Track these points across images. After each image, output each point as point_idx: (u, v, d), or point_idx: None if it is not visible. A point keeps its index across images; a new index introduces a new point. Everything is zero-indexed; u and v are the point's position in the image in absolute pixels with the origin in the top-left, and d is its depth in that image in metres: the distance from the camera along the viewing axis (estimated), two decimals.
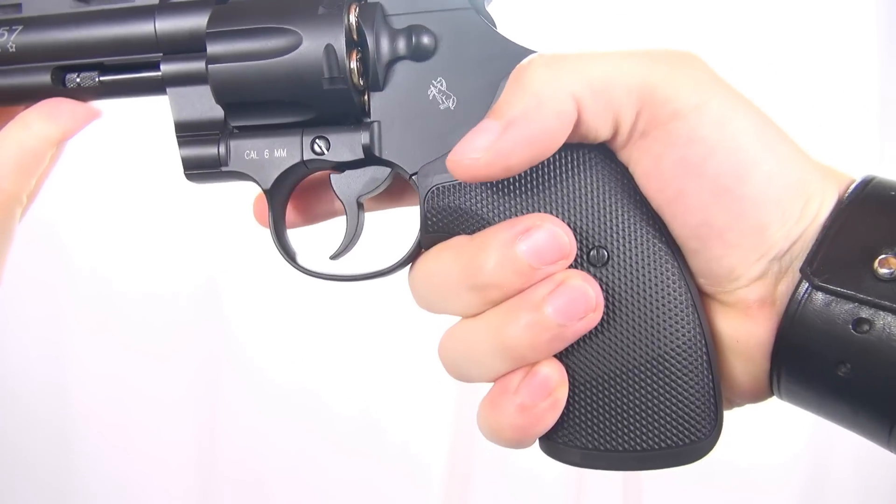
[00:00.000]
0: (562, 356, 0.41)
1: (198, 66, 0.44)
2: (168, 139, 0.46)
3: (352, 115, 0.43)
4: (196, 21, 0.44)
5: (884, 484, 1.09)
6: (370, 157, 0.43)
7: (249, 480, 1.11)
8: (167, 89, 0.46)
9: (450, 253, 0.41)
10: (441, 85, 0.42)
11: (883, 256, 0.36)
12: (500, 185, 0.41)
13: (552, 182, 0.41)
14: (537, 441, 0.42)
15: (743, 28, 1.00)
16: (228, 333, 1.08)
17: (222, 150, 0.45)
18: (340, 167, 0.45)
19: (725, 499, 1.09)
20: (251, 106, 0.43)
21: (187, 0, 0.45)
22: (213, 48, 0.43)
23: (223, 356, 1.09)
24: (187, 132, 0.46)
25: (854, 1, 1.01)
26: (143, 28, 0.45)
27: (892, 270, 0.35)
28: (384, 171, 0.45)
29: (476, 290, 0.40)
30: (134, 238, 1.06)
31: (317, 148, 0.44)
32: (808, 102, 1.01)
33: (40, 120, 0.46)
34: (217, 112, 0.45)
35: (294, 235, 0.48)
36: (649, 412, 0.40)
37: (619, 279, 0.40)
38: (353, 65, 0.41)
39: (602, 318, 0.40)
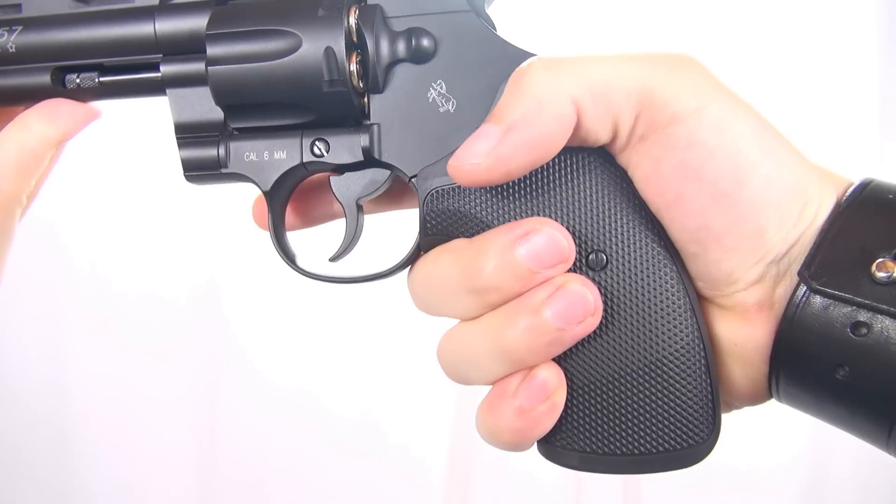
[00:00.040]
0: (560, 359, 0.41)
1: (197, 67, 0.44)
2: (168, 140, 0.46)
3: (351, 117, 0.43)
4: (196, 22, 0.44)
5: (883, 485, 1.09)
6: (370, 160, 0.43)
7: (249, 481, 1.11)
8: (167, 90, 0.46)
9: (449, 256, 0.41)
10: (441, 87, 0.42)
11: (880, 260, 0.36)
12: (499, 189, 0.41)
13: (551, 185, 0.41)
14: (536, 444, 0.42)
15: (743, 29, 1.00)
16: (228, 334, 1.08)
17: (222, 151, 0.45)
18: (340, 169, 0.45)
19: (725, 500, 1.09)
20: (251, 108, 0.43)
21: (187, 1, 0.45)
22: (212, 50, 0.43)
23: (223, 357, 1.09)
24: (187, 133, 0.46)
25: (854, 1, 1.01)
26: (142, 29, 0.45)
27: (889, 274, 0.35)
28: (384, 174, 0.45)
29: (475, 293, 0.40)
30: (134, 238, 1.06)
31: (316, 150, 0.44)
32: (808, 103, 1.01)
33: (40, 121, 0.46)
34: (217, 114, 0.45)
35: (293, 237, 0.48)
36: (647, 416, 0.40)
37: (618, 283, 0.40)
38: (353, 67, 0.41)
39: (600, 322, 0.40)
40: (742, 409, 0.44)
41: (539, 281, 0.39)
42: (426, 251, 0.43)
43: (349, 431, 1.09)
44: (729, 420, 0.43)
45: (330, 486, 1.11)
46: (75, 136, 0.48)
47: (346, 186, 0.45)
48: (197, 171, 0.45)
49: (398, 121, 0.43)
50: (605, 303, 0.40)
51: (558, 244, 0.39)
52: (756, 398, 0.42)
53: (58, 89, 0.47)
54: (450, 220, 0.42)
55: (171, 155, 0.46)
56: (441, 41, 0.42)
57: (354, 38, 0.42)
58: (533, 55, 0.41)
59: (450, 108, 0.42)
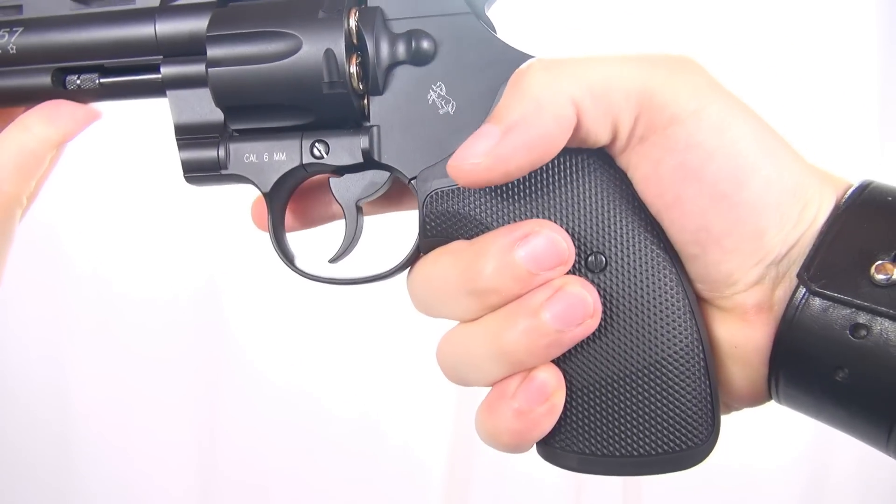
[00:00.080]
0: (559, 361, 0.41)
1: (198, 69, 0.44)
2: (168, 142, 0.46)
3: (351, 119, 0.43)
4: (196, 24, 0.44)
5: (883, 486, 1.09)
6: (369, 161, 0.43)
7: (250, 481, 1.11)
8: (167, 92, 0.46)
9: (448, 258, 0.41)
10: (440, 90, 0.42)
11: (879, 262, 0.36)
12: (498, 191, 0.41)
13: (551, 187, 0.41)
14: (535, 446, 0.42)
15: (743, 29, 1.00)
16: (228, 335, 1.08)
17: (222, 153, 0.45)
18: (340, 171, 0.45)
19: (726, 501, 1.09)
20: (251, 109, 0.43)
21: (187, 3, 0.45)
22: (212, 51, 0.43)
23: (223, 357, 1.09)
24: (187, 135, 0.46)
25: (854, 1, 1.01)
26: (143, 30, 0.45)
27: (888, 276, 0.35)
28: (383, 176, 0.45)
29: (474, 295, 0.40)
30: (134, 240, 1.06)
31: (316, 152, 0.44)
32: (808, 102, 1.01)
33: (40, 122, 0.46)
34: (217, 115, 0.45)
35: (293, 239, 0.48)
36: (646, 418, 0.40)
37: (617, 285, 0.40)
38: (353, 69, 0.41)
39: (600, 324, 0.40)
40: (742, 411, 0.44)
41: (538, 283, 0.39)
42: (426, 253, 0.43)
43: (349, 432, 1.09)
44: (729, 421, 0.43)
45: (330, 486, 1.11)
46: (75, 138, 0.48)
47: (345, 188, 0.45)
48: (197, 173, 0.46)
49: (398, 123, 0.43)
50: (604, 305, 0.40)
51: (558, 246, 0.39)
52: (755, 400, 0.42)
53: (58, 90, 0.47)
54: (449, 221, 0.42)
55: (171, 156, 0.46)
56: (441, 43, 0.42)
57: (354, 40, 0.42)
58: (532, 57, 0.41)
59: (449, 110, 0.42)
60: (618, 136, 0.39)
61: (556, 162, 0.41)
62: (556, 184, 0.41)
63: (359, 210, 0.46)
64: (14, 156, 0.46)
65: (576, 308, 0.38)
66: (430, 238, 0.43)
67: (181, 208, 1.04)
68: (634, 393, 0.40)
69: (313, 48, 0.41)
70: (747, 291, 0.39)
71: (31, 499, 1.12)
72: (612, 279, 0.40)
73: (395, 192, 0.48)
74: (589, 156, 0.41)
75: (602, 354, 0.40)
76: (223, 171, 0.45)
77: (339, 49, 0.41)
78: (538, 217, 0.41)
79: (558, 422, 0.41)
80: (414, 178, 0.43)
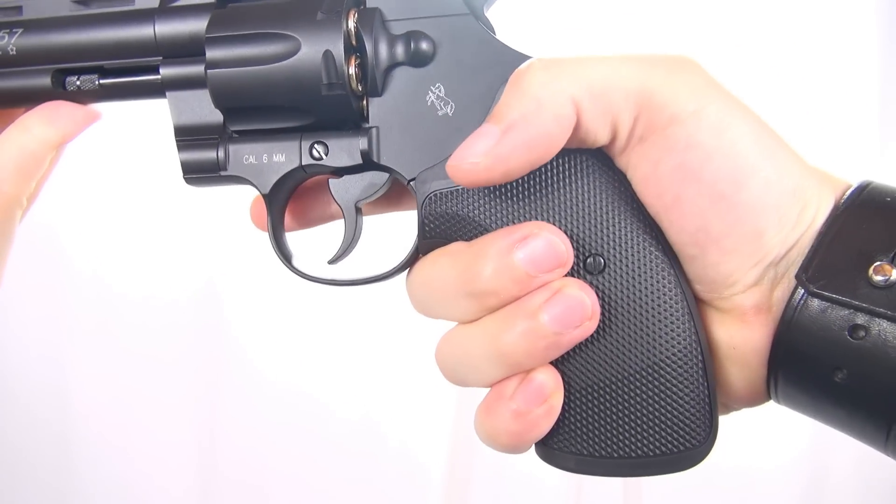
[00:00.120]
0: (558, 363, 0.41)
1: (197, 70, 0.44)
2: (168, 143, 0.46)
3: (350, 120, 0.43)
4: (195, 25, 0.44)
5: (883, 486, 1.09)
6: (368, 163, 0.43)
7: (249, 481, 1.11)
8: (167, 93, 0.46)
9: (447, 259, 0.41)
10: (439, 91, 0.42)
11: (878, 263, 0.36)
12: (497, 192, 0.41)
13: (549, 188, 0.41)
14: (533, 446, 0.42)
15: (742, 29, 1.00)
16: (228, 335, 1.08)
17: (221, 154, 0.45)
18: (339, 172, 0.45)
19: (726, 501, 1.09)
20: (250, 111, 0.43)
21: (187, 4, 0.45)
22: (211, 53, 0.43)
23: (223, 358, 1.09)
24: (186, 136, 0.46)
25: (854, 1, 1.01)
26: (142, 31, 0.45)
27: (886, 277, 0.35)
28: (382, 177, 0.45)
29: (473, 296, 0.40)
30: (134, 240, 1.06)
31: (315, 153, 0.44)
32: (808, 102, 1.01)
33: (40, 123, 0.46)
34: (216, 116, 0.45)
35: (292, 240, 0.48)
36: (644, 419, 0.40)
37: (616, 287, 0.40)
38: (352, 70, 0.41)
39: (598, 326, 0.40)
40: (741, 411, 0.44)
41: (537, 285, 0.39)
42: (425, 254, 0.43)
43: (349, 433, 1.09)
44: (729, 421, 0.43)
45: (330, 486, 1.11)
46: (75, 139, 0.48)
47: (344, 189, 0.45)
48: (196, 174, 0.46)
49: (397, 124, 0.43)
50: (602, 306, 0.40)
51: (556, 249, 0.39)
52: (754, 400, 0.42)
53: (58, 91, 0.47)
54: (448, 223, 0.42)
55: (171, 157, 0.46)
56: (440, 44, 0.42)
57: (353, 42, 0.42)
58: (531, 58, 0.41)
59: (448, 111, 0.42)
60: (617, 136, 0.39)
61: (554, 163, 0.41)
62: (555, 185, 0.41)
63: (358, 211, 0.46)
64: (14, 157, 0.46)
65: (574, 310, 0.38)
66: (430, 239, 0.43)
67: (181, 209, 1.04)
68: (632, 394, 0.40)
69: (312, 49, 0.41)
70: (746, 292, 0.39)
71: (31, 499, 1.12)
72: (611, 281, 0.40)
73: (395, 193, 0.48)
74: (588, 157, 0.41)
75: (600, 356, 0.40)
76: (222, 173, 0.45)
77: (338, 50, 0.41)
78: (537, 219, 0.41)
79: (556, 423, 0.41)
80: (413, 179, 0.43)
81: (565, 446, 0.41)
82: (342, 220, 0.46)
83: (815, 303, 0.37)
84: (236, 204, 0.55)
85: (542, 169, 0.41)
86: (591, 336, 0.40)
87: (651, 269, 0.40)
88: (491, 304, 0.40)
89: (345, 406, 1.09)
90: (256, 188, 0.45)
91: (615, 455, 0.41)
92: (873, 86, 1.02)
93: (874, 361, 0.36)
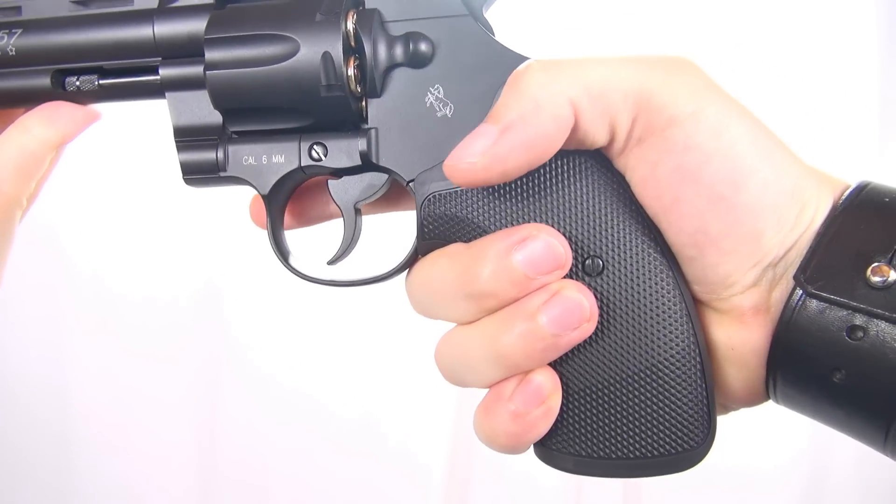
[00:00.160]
0: (556, 364, 0.41)
1: (196, 71, 0.44)
2: (167, 143, 0.46)
3: (349, 121, 0.43)
4: (194, 25, 0.44)
5: (883, 486, 1.09)
6: (367, 164, 0.43)
7: (250, 481, 1.11)
8: (166, 94, 0.46)
9: (446, 260, 0.41)
10: (438, 92, 0.42)
11: (876, 264, 0.36)
12: (495, 193, 0.41)
13: (548, 190, 0.41)
14: (532, 447, 0.42)
15: (742, 30, 1.00)
16: (228, 335, 1.08)
17: (220, 155, 0.45)
18: (338, 173, 0.45)
19: (726, 501, 1.09)
20: (249, 112, 0.43)
21: (186, 5, 0.45)
22: (210, 54, 0.43)
23: (223, 358, 1.09)
24: (186, 137, 0.46)
25: (854, 1, 1.01)
26: (141, 32, 0.45)
27: (884, 278, 0.36)
28: (381, 178, 0.45)
29: (472, 298, 0.40)
30: (134, 240, 1.06)
31: (314, 154, 0.44)
32: (806, 103, 1.01)
33: (40, 123, 0.46)
34: (215, 117, 0.45)
35: (292, 240, 0.48)
36: (643, 420, 0.40)
37: (614, 289, 0.40)
38: (351, 72, 0.41)
39: (596, 327, 0.40)
40: (740, 411, 0.44)
41: (535, 287, 0.39)
42: (424, 255, 0.43)
43: (350, 432, 1.09)
44: (728, 421, 0.43)
45: (330, 486, 1.11)
46: (75, 139, 0.48)
47: (343, 190, 0.45)
48: (196, 175, 0.46)
49: (396, 125, 0.43)
50: (600, 308, 0.40)
51: (555, 251, 0.39)
52: (753, 400, 0.42)
53: (57, 92, 0.47)
54: (447, 224, 0.42)
55: (171, 158, 0.46)
56: (439, 45, 0.42)
57: (352, 43, 0.42)
58: (530, 59, 0.41)
59: (447, 112, 0.42)
60: (615, 138, 0.39)
61: (553, 165, 0.41)
62: (554, 187, 0.41)
63: (357, 212, 0.46)
64: (14, 157, 0.46)
65: (572, 312, 0.38)
66: (428, 240, 0.43)
67: (180, 209, 1.04)
68: (631, 396, 0.40)
69: (311, 51, 0.41)
70: (744, 293, 0.39)
71: (31, 499, 1.12)
72: (609, 283, 0.40)
73: (394, 193, 0.48)
74: (586, 158, 0.41)
75: (599, 357, 0.40)
76: (222, 174, 0.45)
77: (337, 52, 0.41)
78: (535, 220, 0.41)
79: (555, 424, 0.41)
80: (412, 180, 0.43)
81: (564, 447, 0.41)
82: (341, 220, 0.46)
83: (814, 303, 0.37)
84: (236, 204, 0.55)
85: (541, 170, 0.41)
86: (590, 337, 0.40)
87: (649, 271, 0.40)
88: (489, 305, 0.40)
89: (345, 406, 1.09)
90: (256, 189, 0.45)
91: (613, 456, 0.41)
92: (873, 86, 1.02)
93: (872, 362, 0.36)
